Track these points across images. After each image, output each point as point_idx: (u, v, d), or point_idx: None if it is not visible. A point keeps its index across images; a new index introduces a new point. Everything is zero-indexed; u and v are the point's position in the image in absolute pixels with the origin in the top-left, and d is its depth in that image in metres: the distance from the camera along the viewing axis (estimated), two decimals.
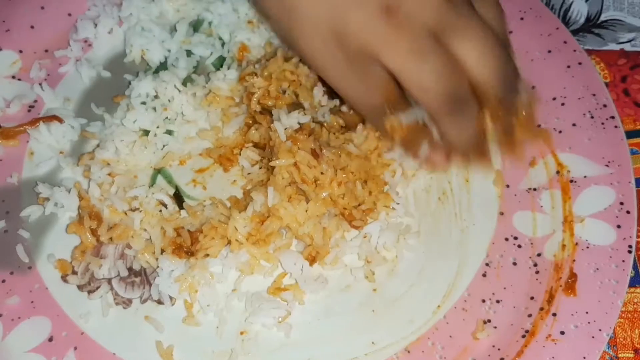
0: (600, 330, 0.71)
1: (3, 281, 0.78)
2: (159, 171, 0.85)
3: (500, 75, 0.67)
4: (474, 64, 0.65)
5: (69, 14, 0.96)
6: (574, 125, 0.84)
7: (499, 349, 0.72)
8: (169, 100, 0.86)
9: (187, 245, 0.77)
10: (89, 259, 0.79)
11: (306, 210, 0.77)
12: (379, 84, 0.68)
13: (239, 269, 0.77)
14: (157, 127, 0.85)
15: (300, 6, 0.68)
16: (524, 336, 0.72)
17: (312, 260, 0.77)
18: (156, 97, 0.86)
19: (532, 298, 0.75)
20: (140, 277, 0.79)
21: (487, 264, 0.78)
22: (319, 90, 0.84)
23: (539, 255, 0.78)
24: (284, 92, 0.83)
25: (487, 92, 0.67)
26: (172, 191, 0.83)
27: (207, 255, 0.77)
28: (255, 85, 0.83)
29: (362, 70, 0.68)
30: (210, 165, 0.86)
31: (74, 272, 0.79)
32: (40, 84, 0.91)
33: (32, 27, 0.95)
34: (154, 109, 0.85)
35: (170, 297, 0.77)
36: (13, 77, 0.92)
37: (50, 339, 0.75)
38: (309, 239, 0.77)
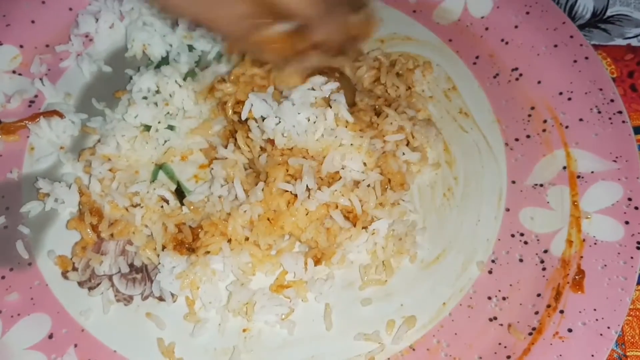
0: (608, 327, 0.70)
1: (2, 277, 0.77)
2: (160, 167, 0.84)
3: None
4: None
5: (70, 9, 0.96)
6: (580, 120, 0.83)
7: (505, 347, 0.71)
8: (170, 95, 0.85)
9: (188, 242, 0.76)
10: (90, 256, 0.78)
11: (307, 214, 0.76)
12: None
13: (241, 269, 0.76)
14: (159, 123, 0.84)
15: None
16: (530, 333, 0.71)
17: (317, 262, 0.76)
18: (157, 92, 0.86)
19: (538, 295, 0.74)
20: (142, 273, 0.78)
21: (493, 261, 0.77)
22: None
23: (545, 251, 0.77)
24: None
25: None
26: (173, 187, 0.82)
27: (208, 252, 0.76)
28: (225, 92, 0.83)
29: None
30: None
31: (75, 269, 0.78)
32: (40, 79, 0.90)
33: (32, 21, 0.94)
34: (156, 104, 0.85)
35: (172, 294, 0.76)
36: (14, 72, 0.92)
37: (51, 336, 0.74)
38: (314, 243, 0.76)
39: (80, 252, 0.78)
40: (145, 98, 0.85)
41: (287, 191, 0.75)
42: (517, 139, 0.84)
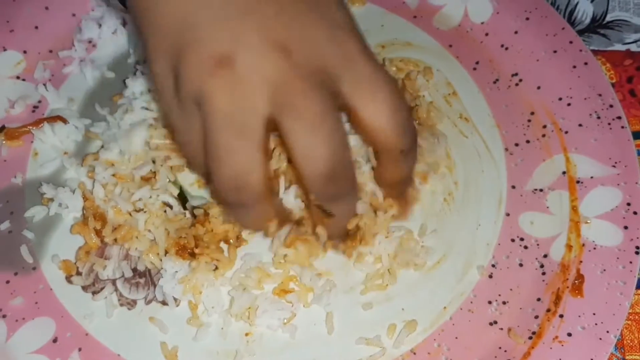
0: (607, 332, 0.70)
1: (7, 282, 0.78)
2: None
3: (400, 123, 0.60)
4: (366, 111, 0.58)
5: (73, 15, 0.96)
6: (580, 125, 0.84)
7: (505, 351, 0.72)
8: None
9: (190, 247, 0.77)
10: (94, 260, 0.78)
11: None
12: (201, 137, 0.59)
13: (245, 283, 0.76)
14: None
15: (152, 8, 0.58)
16: (530, 337, 0.72)
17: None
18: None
19: (538, 299, 0.75)
20: (145, 278, 0.78)
21: (493, 265, 0.78)
22: None
23: (545, 256, 0.77)
24: None
25: (385, 141, 0.60)
26: (176, 192, 0.83)
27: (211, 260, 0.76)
28: None
29: (190, 115, 0.58)
30: None
31: (79, 273, 0.79)
32: (44, 85, 0.90)
33: (36, 27, 0.95)
34: (146, 108, 0.85)
35: (175, 298, 0.77)
36: (17, 77, 0.92)
37: (55, 340, 0.75)
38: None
39: (84, 257, 0.79)
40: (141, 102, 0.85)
41: None
42: (517, 144, 0.85)
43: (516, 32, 0.92)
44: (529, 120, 0.86)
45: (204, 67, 0.54)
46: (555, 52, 0.89)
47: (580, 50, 0.89)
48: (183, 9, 0.56)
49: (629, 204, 0.78)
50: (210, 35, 0.54)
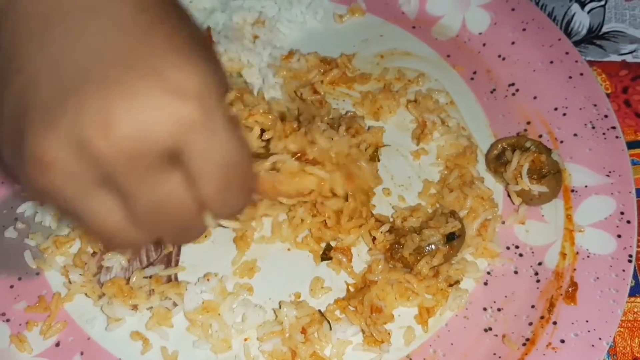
0: (600, 339, 0.72)
1: (11, 286, 0.79)
2: None
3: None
4: None
5: None
6: (575, 135, 0.85)
7: (499, 357, 0.73)
8: None
9: None
10: (95, 266, 0.79)
11: None
12: None
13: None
14: None
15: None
16: (524, 344, 0.73)
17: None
18: None
19: (532, 306, 0.76)
20: None
21: (488, 273, 0.79)
22: None
23: (540, 264, 0.78)
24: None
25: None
26: None
27: None
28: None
29: None
30: None
31: None
32: None
33: None
34: None
35: (175, 304, 0.78)
36: None
37: (57, 344, 0.76)
38: None
39: (80, 263, 0.80)
40: None
41: None
42: None
43: (513, 43, 0.93)
44: (525, 130, 0.87)
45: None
46: (551, 62, 0.91)
47: (576, 61, 0.90)
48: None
49: (622, 213, 0.79)
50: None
